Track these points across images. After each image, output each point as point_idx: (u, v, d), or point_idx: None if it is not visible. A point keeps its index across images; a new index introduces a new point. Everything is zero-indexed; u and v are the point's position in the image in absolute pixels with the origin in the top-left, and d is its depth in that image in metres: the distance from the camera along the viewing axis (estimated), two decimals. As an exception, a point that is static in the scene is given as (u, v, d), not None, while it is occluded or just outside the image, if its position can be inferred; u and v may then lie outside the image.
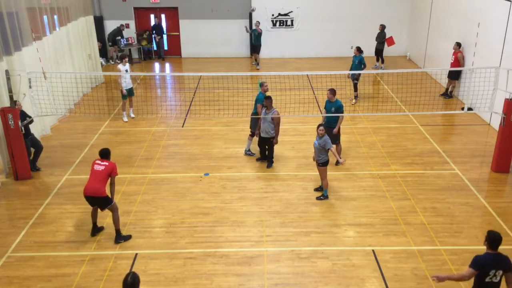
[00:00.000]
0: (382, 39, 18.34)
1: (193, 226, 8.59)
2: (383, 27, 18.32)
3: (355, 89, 14.96)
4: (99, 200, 7.96)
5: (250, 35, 19.14)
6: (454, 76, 14.96)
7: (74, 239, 8.26)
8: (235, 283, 7.18)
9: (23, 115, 10.20)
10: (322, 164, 9.16)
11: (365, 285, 7.14)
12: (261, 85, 11.18)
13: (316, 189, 9.67)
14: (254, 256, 7.76)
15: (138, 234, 8.33)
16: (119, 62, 20.00)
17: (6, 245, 8.06)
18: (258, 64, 18.81)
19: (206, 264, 7.60)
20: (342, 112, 10.53)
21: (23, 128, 9.98)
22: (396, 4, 20.11)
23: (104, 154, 8.20)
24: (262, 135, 10.51)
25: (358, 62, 14.68)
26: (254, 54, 19.27)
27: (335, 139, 10.34)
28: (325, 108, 10.82)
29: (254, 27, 18.70)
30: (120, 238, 8.14)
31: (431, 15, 17.74)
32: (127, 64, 13.74)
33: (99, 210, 8.21)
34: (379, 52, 18.58)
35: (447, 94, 15.26)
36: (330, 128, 10.23)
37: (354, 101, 14.93)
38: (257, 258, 7.71)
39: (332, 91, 10.49)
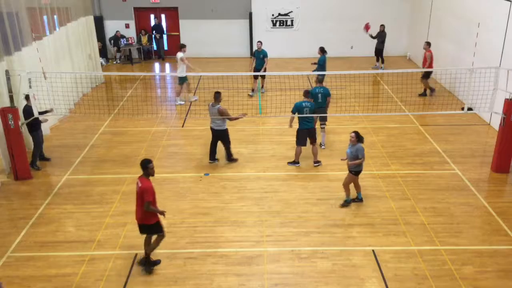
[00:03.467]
0: (382, 39, 18.36)
1: (193, 226, 8.59)
2: (383, 27, 18.33)
3: None
4: (142, 227, 7.25)
5: (253, 56, 16.11)
6: (426, 75, 15.13)
7: (74, 239, 8.25)
8: (235, 283, 7.18)
9: (30, 112, 10.28)
10: (356, 172, 9.05)
11: (365, 285, 7.14)
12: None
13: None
14: (254, 256, 7.76)
15: (138, 234, 8.31)
16: (119, 62, 20.16)
17: (6, 245, 8.06)
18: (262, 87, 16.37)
19: (206, 264, 7.60)
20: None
21: (40, 118, 10.35)
22: (396, 4, 20.11)
23: (142, 167, 7.10)
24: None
25: (323, 62, 14.62)
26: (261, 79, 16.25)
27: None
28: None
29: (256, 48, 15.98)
30: (145, 263, 7.45)
31: (431, 15, 17.74)
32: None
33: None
34: (379, 52, 18.57)
35: (425, 93, 15.35)
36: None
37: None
38: (257, 258, 7.71)
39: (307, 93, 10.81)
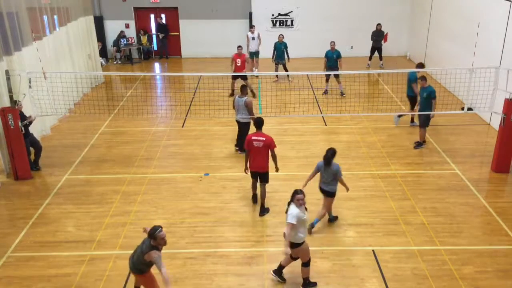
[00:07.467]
0: (380, 38, 18.37)
1: (193, 226, 8.59)
2: (380, 25, 18.38)
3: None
4: (263, 175, 8.87)
5: (275, 48, 17.06)
6: (243, 76, 15.05)
7: (74, 239, 8.25)
8: (235, 283, 7.18)
9: (22, 116, 10.20)
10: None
11: (365, 285, 7.14)
12: None
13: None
14: (254, 256, 7.76)
15: (138, 234, 8.31)
16: (120, 62, 20.16)
17: (6, 245, 8.05)
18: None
19: (206, 264, 7.61)
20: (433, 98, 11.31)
21: (23, 128, 9.98)
22: (396, 4, 20.11)
23: (259, 125, 8.82)
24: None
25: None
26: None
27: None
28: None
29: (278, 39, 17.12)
30: (263, 211, 8.96)
31: (431, 15, 17.74)
32: (256, 32, 17.56)
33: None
34: (378, 51, 18.57)
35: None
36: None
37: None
38: (257, 258, 7.71)
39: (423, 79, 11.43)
